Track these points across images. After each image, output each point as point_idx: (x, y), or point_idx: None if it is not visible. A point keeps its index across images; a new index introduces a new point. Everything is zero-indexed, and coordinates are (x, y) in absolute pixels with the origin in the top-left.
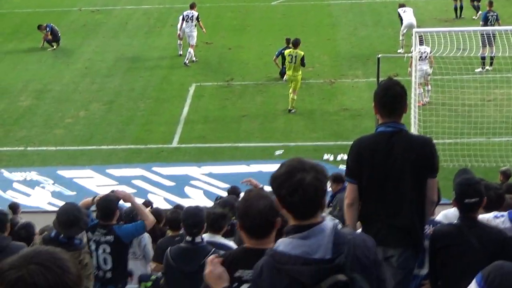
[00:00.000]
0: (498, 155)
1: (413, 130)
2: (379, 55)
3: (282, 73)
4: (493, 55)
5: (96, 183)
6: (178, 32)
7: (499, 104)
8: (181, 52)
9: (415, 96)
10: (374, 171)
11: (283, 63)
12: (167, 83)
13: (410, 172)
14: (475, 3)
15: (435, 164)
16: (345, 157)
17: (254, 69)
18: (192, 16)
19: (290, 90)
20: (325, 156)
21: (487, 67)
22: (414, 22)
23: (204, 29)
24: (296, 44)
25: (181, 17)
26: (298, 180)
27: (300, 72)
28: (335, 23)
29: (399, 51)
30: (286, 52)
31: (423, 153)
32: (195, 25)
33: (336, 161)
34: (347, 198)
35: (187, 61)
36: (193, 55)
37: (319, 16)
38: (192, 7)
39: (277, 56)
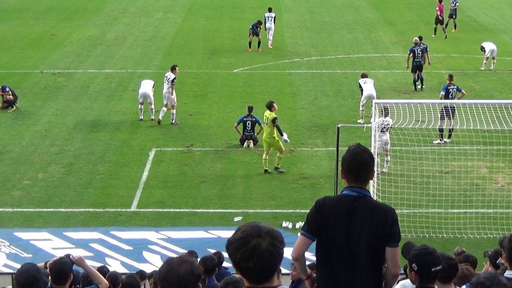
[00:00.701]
0: (456, 227)
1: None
2: (339, 125)
3: (242, 140)
4: (451, 127)
5: (53, 245)
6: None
7: (457, 176)
8: (142, 117)
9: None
10: (333, 233)
11: (244, 130)
12: (127, 147)
13: (368, 238)
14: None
15: (396, 233)
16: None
17: (215, 135)
18: (169, 78)
19: (264, 155)
20: (284, 224)
21: (445, 139)
22: (374, 93)
23: (173, 94)
24: (268, 106)
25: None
26: (253, 246)
27: (275, 133)
28: (295, 92)
29: (358, 121)
30: (265, 114)
31: (384, 220)
32: (173, 88)
33: (294, 229)
34: (294, 251)
35: (173, 122)
36: (168, 116)
37: (280, 85)
38: (172, 69)
39: (238, 123)
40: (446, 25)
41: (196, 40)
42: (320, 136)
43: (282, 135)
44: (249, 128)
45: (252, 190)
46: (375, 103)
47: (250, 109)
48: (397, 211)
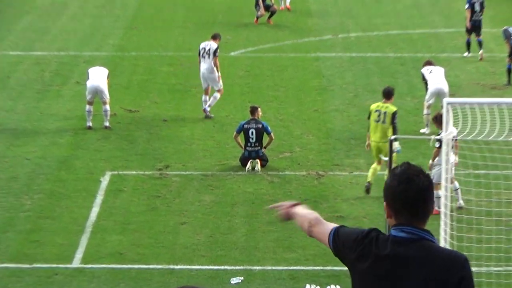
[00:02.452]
0: None
1: (443, 243)
2: (392, 137)
3: (244, 159)
4: None
5: None
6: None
7: None
8: (91, 124)
9: (445, 200)
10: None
11: (247, 143)
12: (68, 169)
13: None
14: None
15: None
16: None
17: (201, 151)
18: (210, 49)
19: (374, 164)
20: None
21: None
22: (445, 88)
23: (218, 72)
24: (388, 94)
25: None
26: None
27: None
28: (326, 87)
29: (422, 130)
30: (373, 107)
31: (447, 275)
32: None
33: None
34: (309, 231)
35: (208, 108)
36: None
37: (302, 75)
38: (213, 38)
39: (238, 133)
40: None
41: (174, 9)
42: (363, 153)
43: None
44: (254, 140)
45: (259, 236)
46: (447, 104)
47: (254, 111)
48: (477, 269)
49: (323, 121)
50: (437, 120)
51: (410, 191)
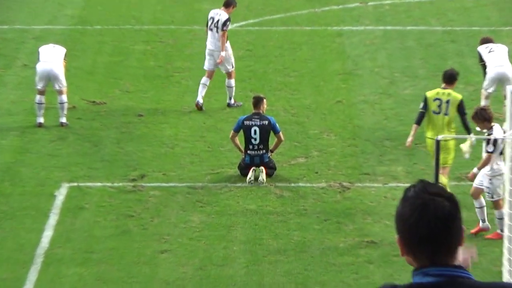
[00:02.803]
0: None
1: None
2: (440, 136)
3: (245, 166)
4: None
5: None
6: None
7: None
8: (42, 120)
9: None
10: None
11: (248, 145)
12: (12, 181)
13: None
14: None
15: None
16: None
17: (188, 157)
18: (218, 20)
19: (443, 178)
20: None
21: None
22: (509, 72)
23: (229, 50)
24: (450, 78)
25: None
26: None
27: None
28: (351, 71)
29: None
30: (430, 94)
31: None
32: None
33: None
34: None
35: (232, 102)
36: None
37: (321, 56)
38: (226, 5)
39: (236, 131)
40: None
41: None
42: (402, 158)
43: (469, 133)
44: (257, 141)
45: (264, 269)
46: None
47: (258, 102)
48: None
49: (349, 116)
50: (479, 117)
51: (427, 221)
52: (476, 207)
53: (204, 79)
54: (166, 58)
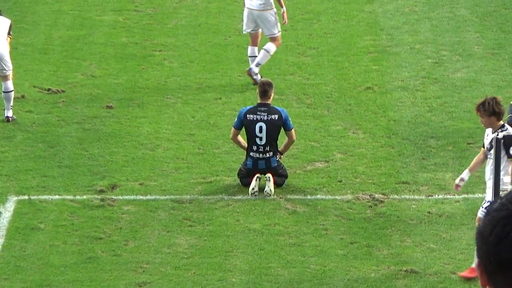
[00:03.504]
0: None
1: None
2: (501, 133)
3: (246, 172)
4: None
5: None
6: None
7: None
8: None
9: None
10: None
11: (251, 146)
12: None
13: None
14: None
15: None
16: None
17: (172, 161)
18: None
19: None
20: None
21: None
22: None
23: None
24: None
25: None
26: None
27: None
28: (385, 49)
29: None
30: None
31: None
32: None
33: None
34: None
35: (255, 69)
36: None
37: (345, 31)
38: None
39: (238, 129)
40: None
41: None
42: (451, 162)
43: None
44: (263, 141)
45: None
46: None
47: (267, 90)
48: None
49: (382, 106)
50: (486, 110)
51: (511, 241)
52: None
53: (251, 50)
54: (144, 33)
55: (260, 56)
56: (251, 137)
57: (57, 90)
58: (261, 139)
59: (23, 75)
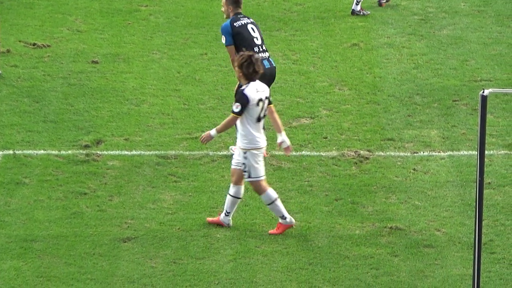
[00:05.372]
0: None
1: None
2: (487, 90)
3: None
4: None
5: None
6: None
7: None
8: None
9: None
10: None
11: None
12: None
13: None
14: None
15: None
16: None
17: (158, 117)
18: None
19: None
20: None
21: None
22: None
23: None
24: None
25: None
26: None
27: None
28: (372, 2)
29: None
30: None
31: None
32: None
33: None
34: None
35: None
36: None
37: None
38: None
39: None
40: None
41: None
42: (436, 120)
43: None
44: (259, 41)
45: (257, 263)
46: None
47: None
48: None
49: (368, 63)
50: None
51: None
52: None
53: None
54: None
55: None
56: (248, 40)
57: (43, 44)
58: (257, 39)
59: (9, 29)
